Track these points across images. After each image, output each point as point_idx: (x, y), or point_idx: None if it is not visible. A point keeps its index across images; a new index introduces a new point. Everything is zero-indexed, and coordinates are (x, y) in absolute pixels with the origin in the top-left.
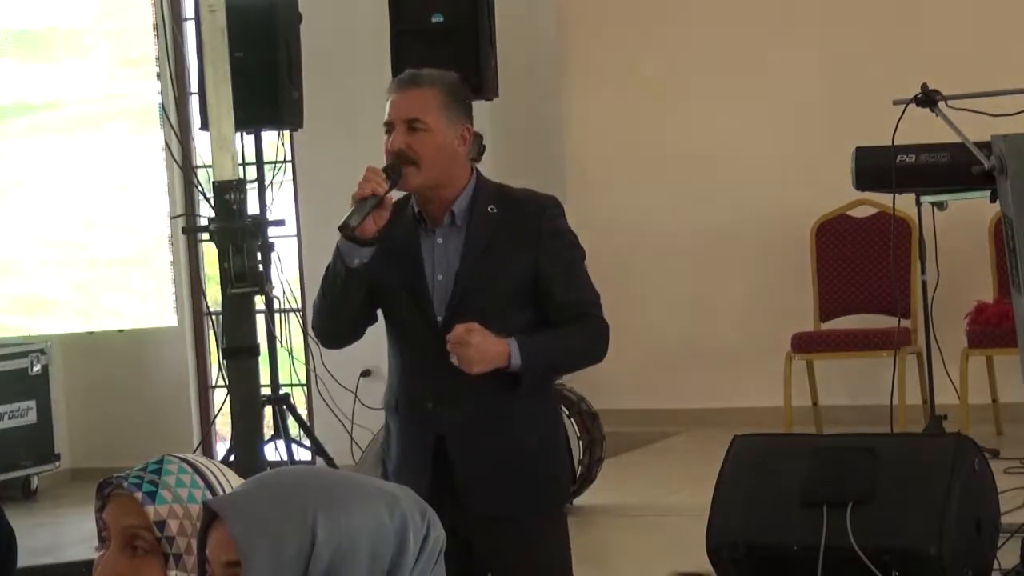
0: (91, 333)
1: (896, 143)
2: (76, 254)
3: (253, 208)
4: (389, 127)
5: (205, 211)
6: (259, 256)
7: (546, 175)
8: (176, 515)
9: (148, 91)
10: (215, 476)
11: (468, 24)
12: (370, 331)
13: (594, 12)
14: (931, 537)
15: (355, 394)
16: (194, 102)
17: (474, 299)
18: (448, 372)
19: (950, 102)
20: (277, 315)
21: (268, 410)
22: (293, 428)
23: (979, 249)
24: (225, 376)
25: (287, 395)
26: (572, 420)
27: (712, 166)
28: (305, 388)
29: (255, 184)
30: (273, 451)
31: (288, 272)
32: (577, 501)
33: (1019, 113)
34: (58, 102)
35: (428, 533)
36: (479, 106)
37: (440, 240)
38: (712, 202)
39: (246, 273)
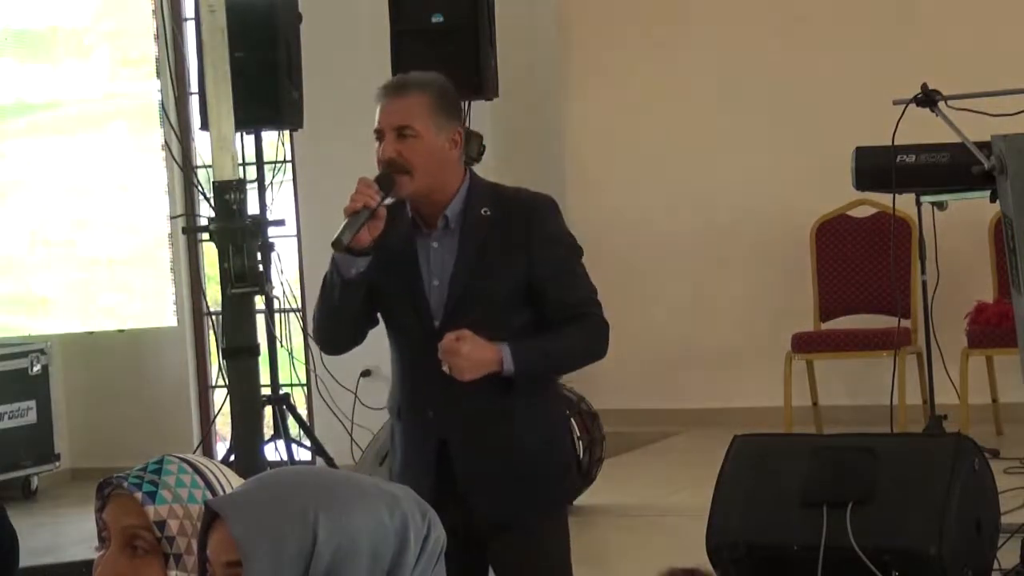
0: (91, 333)
1: (896, 143)
2: (76, 254)
3: (253, 208)
4: (379, 135)
5: (205, 211)
6: (259, 256)
7: (546, 175)
8: (176, 515)
9: (148, 91)
10: (215, 476)
11: (468, 24)
12: (370, 332)
13: (594, 12)
14: (931, 537)
15: (355, 394)
16: (194, 102)
17: (470, 303)
18: (446, 378)
19: (950, 102)
20: (277, 315)
21: (268, 410)
22: (293, 428)
23: (979, 249)
24: (225, 376)
25: (287, 395)
26: (572, 420)
27: (712, 166)
28: (305, 388)
29: (255, 184)
30: (273, 451)
31: (288, 272)
32: (577, 501)
33: (1019, 113)
34: (58, 102)
35: (429, 533)
36: (479, 106)
37: (435, 244)
38: (712, 202)
39: (246, 273)
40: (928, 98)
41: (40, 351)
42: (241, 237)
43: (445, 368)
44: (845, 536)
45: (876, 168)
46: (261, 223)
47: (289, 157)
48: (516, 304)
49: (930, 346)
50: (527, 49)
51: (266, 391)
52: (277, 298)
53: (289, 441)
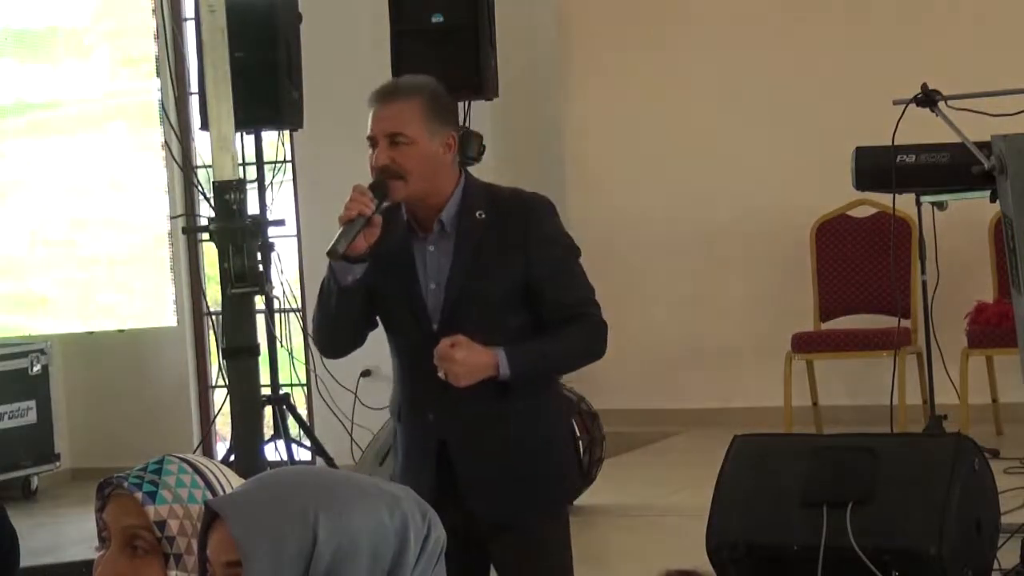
0: (91, 333)
1: (896, 143)
2: (76, 254)
3: (253, 208)
4: (372, 141)
5: (205, 211)
6: (259, 256)
7: (546, 175)
8: (176, 515)
9: (148, 90)
10: (215, 476)
11: (468, 24)
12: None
13: (594, 12)
14: (931, 537)
15: (355, 394)
16: (194, 102)
17: (467, 306)
18: (445, 381)
19: (950, 102)
20: (277, 315)
21: (268, 410)
22: (293, 428)
23: (979, 249)
24: (225, 376)
25: (287, 395)
26: (572, 420)
27: (712, 166)
28: (305, 388)
29: (255, 184)
30: (273, 451)
31: (288, 272)
32: (577, 501)
33: (1019, 113)
34: (58, 102)
35: (429, 533)
36: (479, 106)
37: (431, 248)
38: (712, 202)
39: (246, 273)
40: (928, 98)
41: (40, 351)
42: (241, 237)
43: (441, 374)
44: (845, 536)
45: (876, 168)
46: (261, 223)
47: (289, 157)
48: (513, 306)
49: (930, 346)
50: (527, 49)
51: (266, 391)
52: (277, 298)
53: (289, 441)
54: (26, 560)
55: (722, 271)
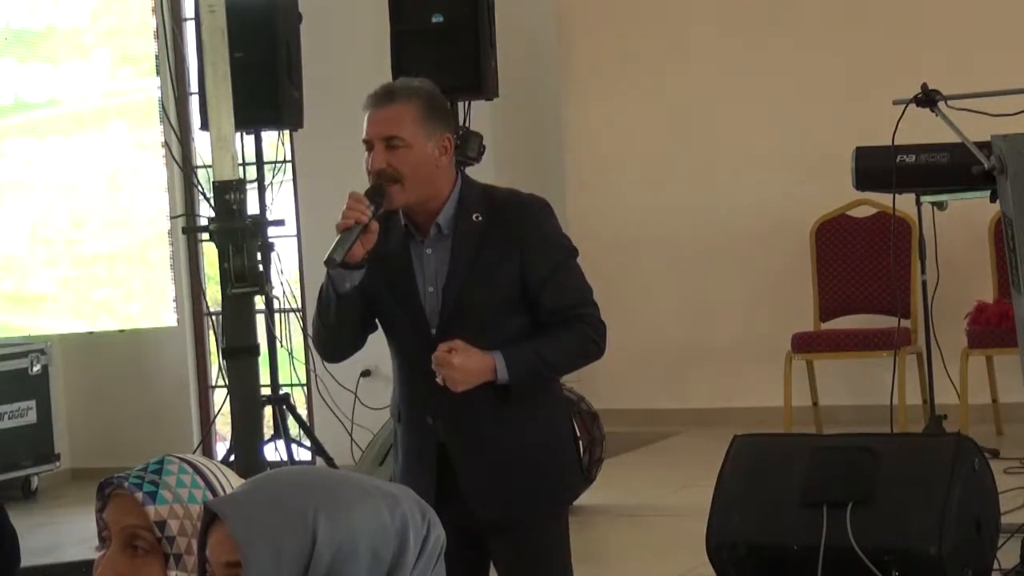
0: (91, 333)
1: (896, 143)
2: (75, 253)
3: (253, 208)
4: (368, 145)
5: (205, 211)
6: (259, 256)
7: (546, 175)
8: (176, 515)
9: (148, 89)
10: (215, 476)
11: (468, 24)
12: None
13: (594, 12)
14: (931, 537)
15: (355, 394)
16: (194, 102)
17: (465, 310)
18: (442, 386)
19: (950, 102)
20: (277, 315)
21: (268, 410)
22: (293, 428)
23: (979, 249)
24: (225, 376)
25: (287, 395)
26: (572, 420)
27: (712, 166)
28: (305, 388)
29: (255, 184)
30: (273, 451)
31: (288, 272)
32: (577, 501)
33: (1019, 113)
34: (57, 101)
35: (428, 533)
36: (479, 106)
37: (429, 251)
38: (712, 202)
39: (246, 273)
40: (928, 98)
41: (40, 351)
42: (241, 237)
43: (439, 379)
44: (845, 536)
45: (876, 168)
46: (261, 223)
47: (289, 157)
48: (512, 308)
49: (930, 346)
50: (527, 49)
51: (266, 391)
52: (277, 298)
53: (289, 441)
54: (26, 560)
55: (722, 271)
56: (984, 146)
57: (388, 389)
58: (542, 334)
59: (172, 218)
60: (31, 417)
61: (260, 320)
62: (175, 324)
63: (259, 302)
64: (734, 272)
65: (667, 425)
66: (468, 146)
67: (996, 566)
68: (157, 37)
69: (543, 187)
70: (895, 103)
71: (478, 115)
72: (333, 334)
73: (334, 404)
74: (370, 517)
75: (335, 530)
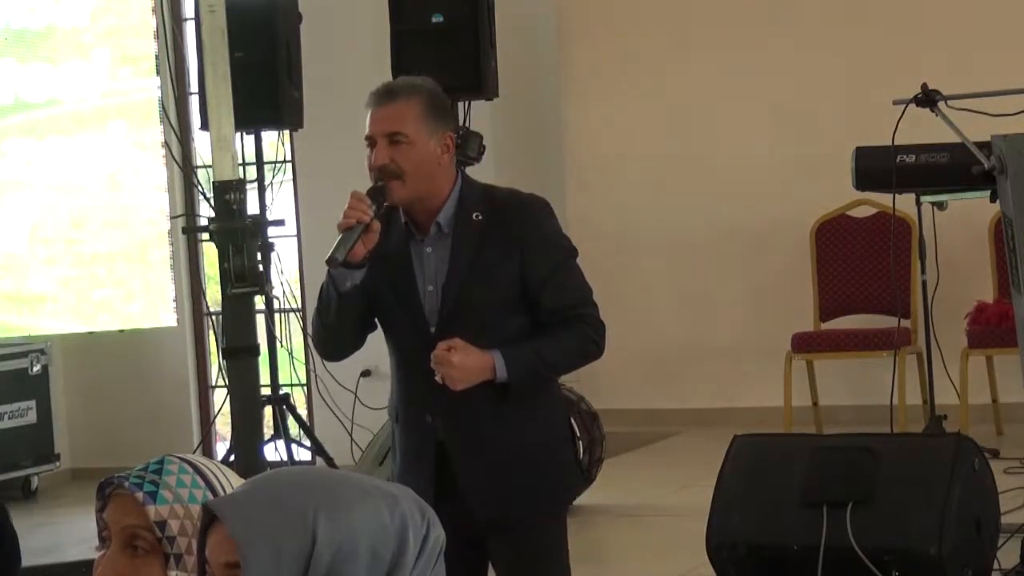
0: (91, 333)
1: (896, 143)
2: (75, 253)
3: (253, 208)
4: (370, 142)
5: (205, 211)
6: (259, 256)
7: (546, 175)
8: (177, 515)
9: (148, 89)
10: (216, 476)
11: (468, 24)
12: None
13: (594, 12)
14: (931, 537)
15: (355, 394)
16: (194, 102)
17: (465, 309)
18: (441, 384)
19: (950, 102)
20: (277, 315)
21: (268, 410)
22: (293, 428)
23: (979, 249)
24: (225, 376)
25: (287, 395)
26: (572, 420)
27: (712, 166)
28: (305, 388)
29: (255, 184)
30: (273, 451)
31: (288, 272)
32: (577, 501)
33: (1019, 113)
34: (57, 100)
35: (428, 533)
36: (479, 106)
37: (429, 250)
38: (712, 202)
39: (246, 273)
40: (928, 98)
41: (40, 351)
42: (241, 237)
43: (438, 378)
44: (845, 536)
45: (876, 168)
46: (261, 223)
47: (289, 157)
48: (511, 307)
49: (930, 346)
50: (527, 49)
51: (266, 391)
52: (277, 298)
53: (289, 441)
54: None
55: (722, 271)
56: (984, 146)
57: (388, 389)
58: (541, 334)
59: (172, 218)
60: (31, 417)
61: (260, 320)
62: (175, 324)
63: (259, 302)
64: (734, 272)
65: (667, 425)
66: (468, 146)
67: (996, 566)
68: (157, 37)
69: (543, 187)
70: (895, 103)
71: (478, 115)
72: (333, 333)
73: (334, 404)
74: (370, 517)
75: (335, 530)
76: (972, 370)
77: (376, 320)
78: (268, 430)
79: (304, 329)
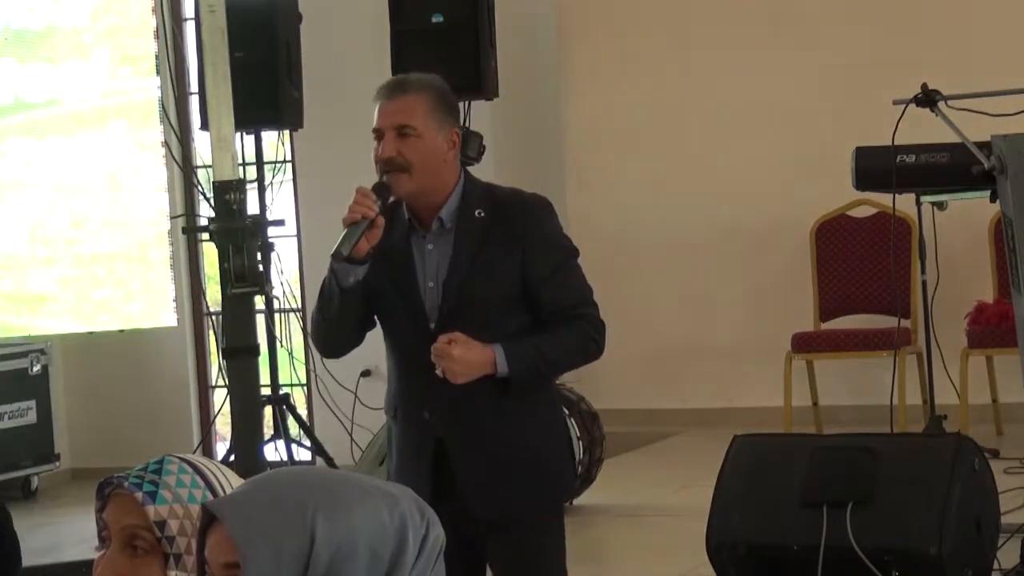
0: (91, 333)
1: (896, 143)
2: (75, 253)
3: (253, 208)
4: (378, 134)
5: (205, 211)
6: (259, 256)
7: (546, 175)
8: (176, 515)
9: (148, 88)
10: (215, 476)
11: (468, 24)
12: (370, 332)
13: (594, 12)
14: (931, 537)
15: (355, 394)
16: (194, 102)
17: (466, 306)
18: (441, 379)
19: (950, 102)
20: (277, 315)
21: (268, 410)
22: (293, 428)
23: (979, 249)
24: (225, 376)
25: (287, 395)
26: (572, 420)
27: (712, 166)
28: (305, 388)
29: (255, 184)
30: (273, 451)
31: (288, 272)
32: (577, 501)
33: (1019, 113)
34: (57, 100)
35: (427, 532)
36: (479, 106)
37: (430, 246)
38: (712, 202)
39: (246, 273)
40: (928, 98)
41: (40, 351)
42: (241, 237)
43: (439, 371)
44: (845, 536)
45: (876, 168)
46: (261, 223)
47: (289, 157)
48: (511, 305)
49: (930, 346)
50: (527, 49)
51: (266, 391)
52: (277, 298)
53: (289, 441)
54: (26, 560)
55: (722, 271)
56: (984, 146)
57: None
58: (542, 331)
59: (172, 218)
60: (31, 417)
61: (260, 320)
62: (175, 324)
63: (259, 302)
64: (734, 272)
65: (667, 425)
66: (468, 146)
67: (996, 566)
68: (157, 37)
69: (543, 187)
70: (895, 103)
71: (478, 115)
72: (333, 329)
73: (334, 404)
74: (369, 517)
75: (334, 530)
76: (972, 370)
77: (376, 318)
78: (268, 430)
79: (304, 329)
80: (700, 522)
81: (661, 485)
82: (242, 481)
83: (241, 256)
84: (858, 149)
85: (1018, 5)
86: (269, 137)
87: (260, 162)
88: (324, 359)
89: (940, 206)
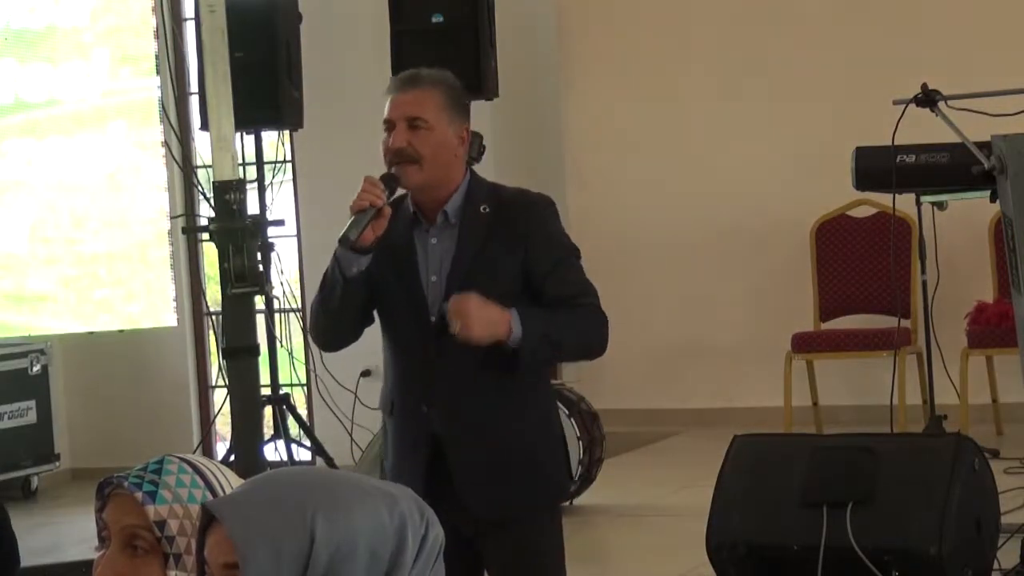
0: (91, 333)
1: (896, 143)
2: (75, 253)
3: (253, 208)
4: (389, 125)
5: (205, 211)
6: (259, 256)
7: (546, 175)
8: (176, 515)
9: (148, 88)
10: (215, 476)
11: (468, 24)
12: (369, 331)
13: (594, 12)
14: (931, 537)
15: (355, 394)
16: (194, 102)
17: None
18: (441, 374)
19: (950, 102)
20: (277, 315)
21: (268, 410)
22: (293, 428)
23: (979, 249)
24: (225, 376)
25: (287, 395)
26: (572, 420)
27: (712, 166)
28: (305, 388)
29: (255, 184)
30: (273, 451)
31: (288, 272)
32: (577, 501)
33: (1019, 113)
34: (57, 100)
35: (427, 532)
36: (479, 106)
37: (434, 240)
38: (712, 202)
39: (246, 273)
40: (928, 98)
41: (40, 351)
42: (241, 237)
43: (455, 329)
44: (845, 536)
45: (876, 168)
46: (261, 223)
47: (289, 157)
48: (513, 302)
49: (930, 346)
50: (527, 49)
51: (266, 391)
52: (277, 298)
53: (289, 441)
54: (26, 560)
55: (722, 271)
56: (984, 146)
57: None
58: (552, 311)
59: (172, 218)
60: (31, 417)
61: (260, 320)
62: (175, 324)
63: (259, 302)
64: (734, 272)
65: (667, 425)
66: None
67: (996, 566)
68: (157, 37)
69: (543, 187)
70: (895, 103)
71: (478, 115)
72: (333, 320)
73: (334, 404)
74: (369, 517)
75: (333, 530)
76: (972, 370)
77: (374, 315)
78: (268, 430)
79: (304, 329)
80: (700, 522)
81: (661, 485)
82: (242, 481)
83: (241, 256)
84: (858, 149)
85: (1018, 5)
86: (269, 137)
87: (260, 162)
88: (324, 359)
89: (940, 206)
